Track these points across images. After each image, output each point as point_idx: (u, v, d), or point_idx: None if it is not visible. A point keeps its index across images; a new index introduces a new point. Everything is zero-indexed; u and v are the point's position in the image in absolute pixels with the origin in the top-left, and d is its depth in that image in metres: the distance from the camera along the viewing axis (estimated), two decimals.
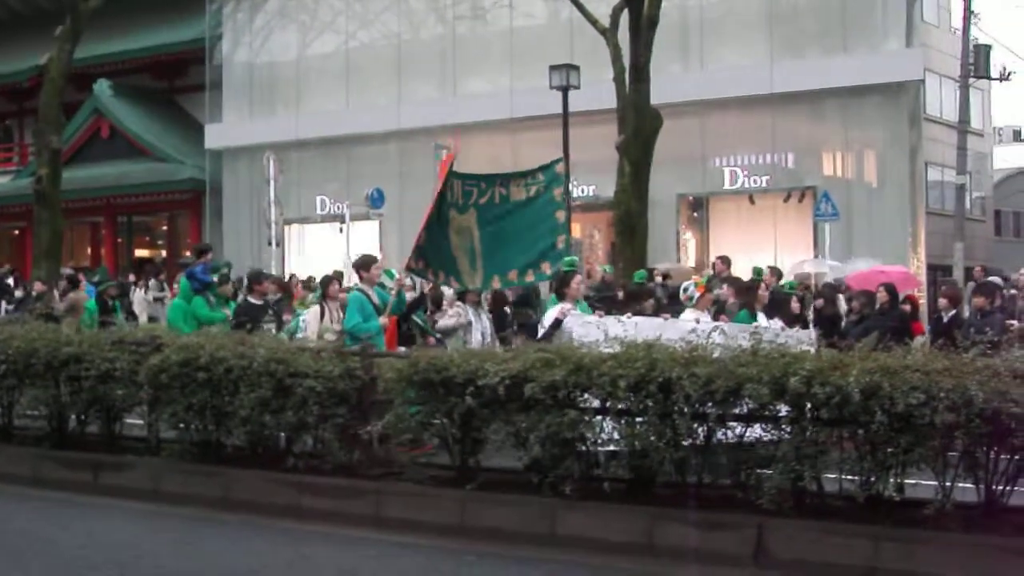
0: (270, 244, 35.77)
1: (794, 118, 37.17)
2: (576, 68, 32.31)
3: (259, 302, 19.34)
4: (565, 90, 31.85)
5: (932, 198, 42.21)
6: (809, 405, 10.80)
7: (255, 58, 47.53)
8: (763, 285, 17.60)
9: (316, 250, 42.92)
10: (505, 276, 17.87)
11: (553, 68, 32.55)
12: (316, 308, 18.10)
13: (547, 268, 17.68)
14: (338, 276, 20.85)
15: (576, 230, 35.38)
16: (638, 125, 26.59)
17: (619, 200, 26.50)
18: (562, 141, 31.67)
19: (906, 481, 10.71)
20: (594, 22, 28.72)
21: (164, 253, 52.59)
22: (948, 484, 10.63)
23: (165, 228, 54.44)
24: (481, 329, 18.01)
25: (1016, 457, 10.53)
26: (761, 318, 16.30)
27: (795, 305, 18.54)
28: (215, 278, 20.04)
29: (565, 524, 12.04)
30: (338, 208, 40.18)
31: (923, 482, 10.84)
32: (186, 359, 14.34)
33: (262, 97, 47.31)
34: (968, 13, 42.24)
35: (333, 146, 44.74)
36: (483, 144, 41.58)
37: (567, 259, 17.06)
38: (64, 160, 38.98)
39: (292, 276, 32.46)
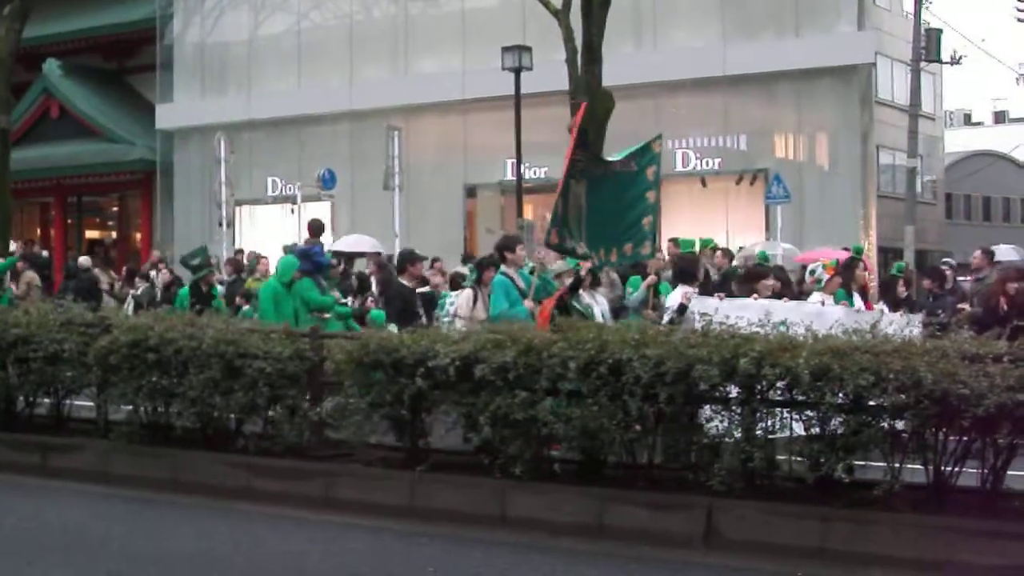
0: (221, 225, 35.63)
1: (746, 100, 37.29)
2: (528, 49, 32.31)
3: (411, 285, 18.00)
4: (517, 71, 31.84)
5: (883, 181, 42.35)
6: (759, 386, 10.83)
7: (206, 38, 47.28)
8: (862, 264, 17.47)
9: (267, 231, 42.78)
10: (598, 254, 16.49)
11: (505, 49, 32.53)
12: (468, 292, 16.77)
13: (628, 249, 17.00)
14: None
15: (528, 212, 35.36)
16: (590, 106, 26.54)
17: None
18: (514, 122, 31.65)
19: (856, 462, 10.72)
20: (546, 3, 28.67)
21: (114, 234, 52.28)
22: (897, 465, 10.68)
23: (116, 209, 54.07)
24: (600, 310, 16.65)
25: (964, 438, 10.58)
26: (856, 299, 16.21)
27: (901, 289, 18.38)
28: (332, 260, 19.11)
29: (515, 505, 12.06)
30: (289, 189, 40.08)
31: (873, 464, 10.88)
32: (135, 340, 14.26)
33: (213, 77, 47.10)
34: None
35: (285, 127, 44.59)
36: (435, 125, 41.61)
37: (685, 241, 16.07)
38: (13, 140, 38.64)
39: (239, 252, 31.79)
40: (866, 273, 17.28)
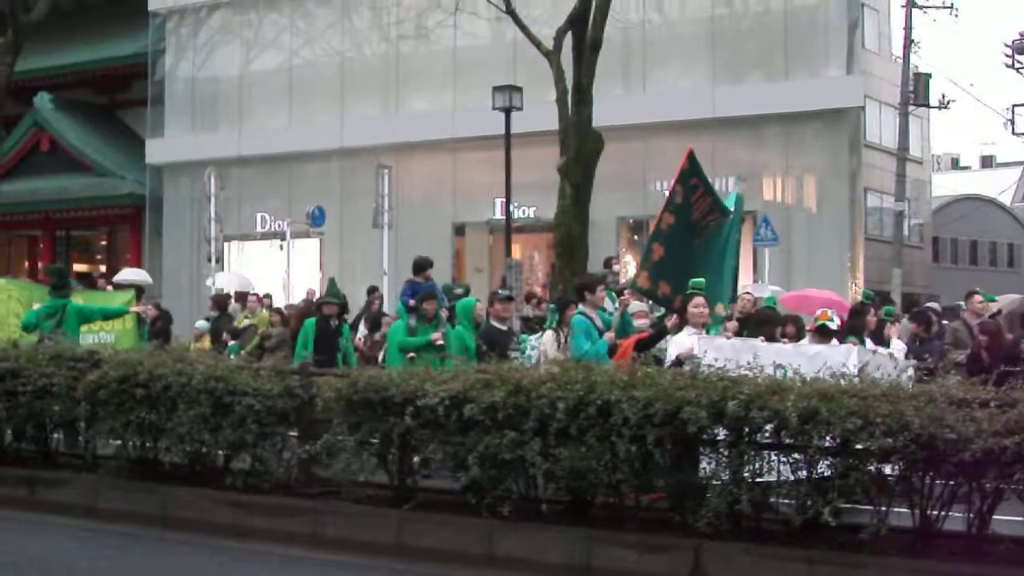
0: (210, 261, 35.67)
1: (735, 143, 37.28)
2: (519, 89, 32.42)
3: (502, 327, 17.31)
4: (508, 111, 31.94)
5: (871, 224, 42.55)
6: (747, 429, 10.86)
7: (198, 73, 47.33)
8: (871, 310, 17.51)
9: (256, 267, 42.82)
10: (713, 308, 15.74)
11: (496, 89, 32.65)
12: (551, 334, 15.81)
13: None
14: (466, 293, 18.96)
15: (516, 251, 35.44)
16: (580, 147, 26.57)
17: (560, 222, 26.46)
18: (504, 162, 31.74)
19: (842, 505, 10.74)
20: (537, 44, 28.72)
21: (103, 268, 52.22)
22: (884, 509, 10.71)
23: (104, 243, 54.01)
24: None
25: (951, 483, 10.62)
26: (868, 343, 16.05)
27: (888, 332, 18.34)
28: (415, 301, 18.00)
29: (503, 545, 12.07)
30: (279, 225, 40.12)
31: (860, 507, 10.91)
32: (124, 375, 14.28)
33: (204, 113, 47.11)
34: (908, 42, 42.68)
35: (275, 163, 44.59)
36: (425, 163, 41.68)
37: (693, 281, 14.97)
38: (3, 173, 38.76)
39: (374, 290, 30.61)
40: (874, 318, 17.33)
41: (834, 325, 15.36)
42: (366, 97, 43.68)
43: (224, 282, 33.47)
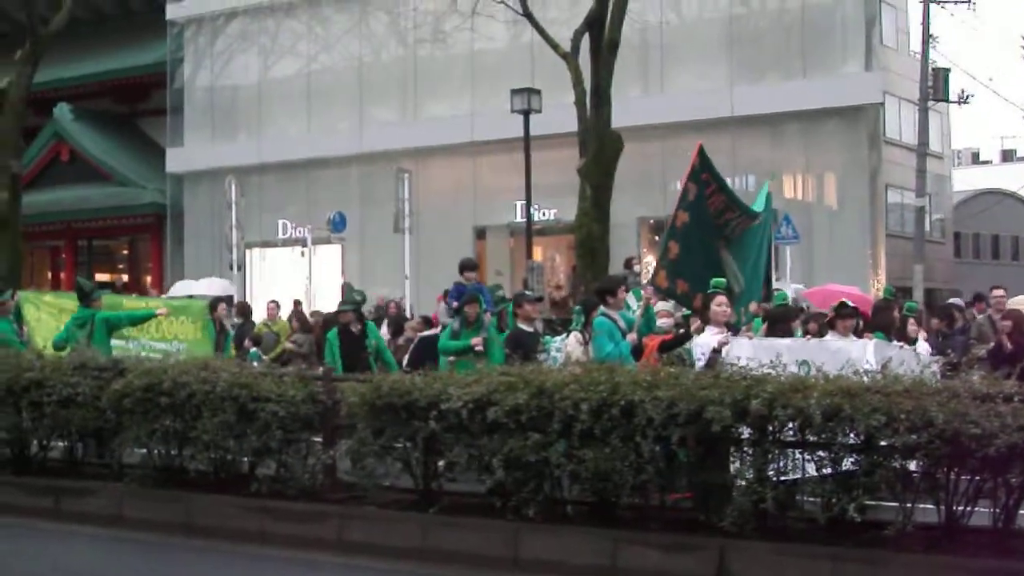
0: (231, 268, 35.68)
1: (754, 141, 37.26)
2: (537, 92, 32.38)
3: (529, 328, 16.88)
4: (526, 113, 31.90)
5: (892, 220, 42.38)
6: (771, 427, 10.85)
7: (216, 82, 47.43)
8: (895, 306, 17.51)
9: (278, 274, 42.85)
10: (747, 307, 16.31)
11: (514, 92, 32.60)
12: (577, 335, 15.69)
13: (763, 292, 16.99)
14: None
15: (537, 253, 35.42)
16: (599, 149, 26.61)
17: (580, 223, 26.54)
18: (524, 164, 31.72)
19: (867, 502, 10.72)
20: (555, 46, 28.76)
21: (125, 278, 52.38)
22: (909, 505, 10.68)
23: (126, 252, 54.16)
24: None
25: (976, 478, 10.59)
26: (894, 340, 15.97)
27: (911, 328, 18.30)
28: (455, 303, 18.32)
29: (528, 547, 12.06)
30: (300, 232, 40.13)
31: (885, 503, 10.88)
32: (149, 384, 14.29)
33: (223, 121, 47.19)
34: (927, 37, 42.49)
35: (294, 170, 44.69)
36: (444, 167, 41.67)
37: (715, 280, 14.78)
38: (24, 184, 38.70)
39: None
40: (898, 315, 17.31)
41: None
42: (384, 102, 43.74)
43: (206, 288, 33.71)
